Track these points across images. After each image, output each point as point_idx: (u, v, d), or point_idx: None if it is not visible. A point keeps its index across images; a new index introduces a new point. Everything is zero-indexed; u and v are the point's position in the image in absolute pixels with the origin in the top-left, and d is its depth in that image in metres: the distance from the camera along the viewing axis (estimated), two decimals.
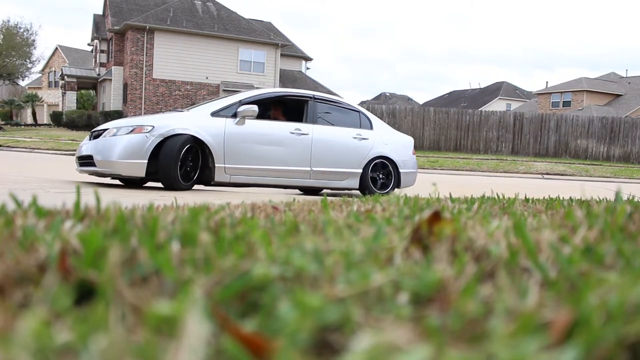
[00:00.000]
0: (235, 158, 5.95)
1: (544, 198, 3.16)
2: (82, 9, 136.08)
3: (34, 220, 1.23)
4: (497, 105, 49.06)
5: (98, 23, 33.71)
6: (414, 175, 7.46)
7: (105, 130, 5.76)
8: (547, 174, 16.59)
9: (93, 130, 6.03)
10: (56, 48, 46.14)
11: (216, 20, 30.73)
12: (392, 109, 22.98)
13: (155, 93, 29.20)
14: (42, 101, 42.28)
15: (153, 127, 5.52)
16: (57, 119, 30.85)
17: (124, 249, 0.85)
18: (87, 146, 5.84)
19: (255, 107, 6.01)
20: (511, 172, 16.97)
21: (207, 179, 5.93)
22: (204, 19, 30.44)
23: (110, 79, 30.94)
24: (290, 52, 34.22)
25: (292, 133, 6.42)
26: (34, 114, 36.46)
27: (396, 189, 7.15)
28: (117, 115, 29.40)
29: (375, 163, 6.95)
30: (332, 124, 6.83)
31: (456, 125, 23.08)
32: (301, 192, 7.29)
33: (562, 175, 16.28)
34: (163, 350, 0.50)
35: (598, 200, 2.75)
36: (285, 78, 32.72)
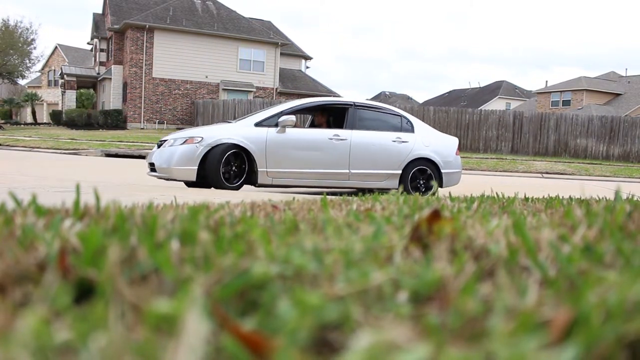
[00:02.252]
0: (276, 163, 6.61)
1: (543, 197, 3.16)
2: (82, 8, 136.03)
3: (34, 219, 1.23)
4: (496, 105, 49.06)
5: (98, 22, 33.68)
6: (458, 175, 7.73)
7: (166, 140, 6.73)
8: (547, 173, 16.60)
9: (159, 140, 6.98)
10: (56, 47, 46.08)
11: (216, 19, 30.71)
12: None
13: (155, 92, 29.19)
14: (42, 100, 42.24)
15: (202, 138, 6.38)
16: (57, 118, 30.83)
17: (123, 247, 0.85)
18: (152, 154, 6.83)
19: (293, 118, 6.68)
20: (511, 171, 16.98)
21: (253, 181, 6.65)
22: (203, 18, 30.42)
23: (110, 78, 30.93)
24: (290, 51, 34.20)
25: (331, 139, 6.95)
26: (33, 113, 36.44)
27: (438, 189, 7.37)
28: (117, 114, 29.43)
29: (416, 164, 7.27)
30: (372, 129, 7.24)
31: (456, 124, 23.07)
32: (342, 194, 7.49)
33: (561, 174, 16.29)
34: (162, 348, 0.50)
35: (597, 199, 2.75)
36: (285, 77, 32.70)
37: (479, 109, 26.18)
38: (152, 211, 1.51)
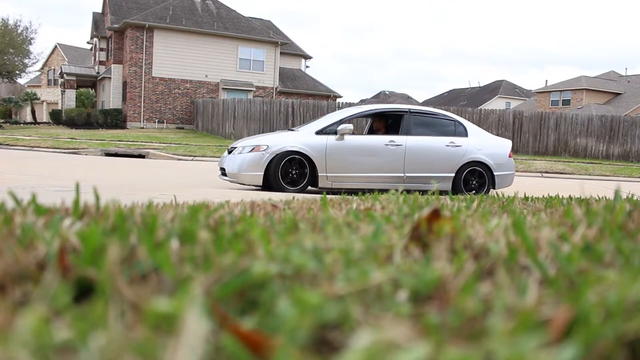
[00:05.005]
0: (335, 168, 7.16)
1: (543, 196, 3.16)
2: (82, 8, 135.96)
3: (33, 218, 1.23)
4: (496, 104, 49.05)
5: (97, 21, 33.65)
6: (511, 177, 8.08)
7: (235, 147, 7.35)
8: (547, 172, 16.60)
9: (229, 146, 7.61)
10: (55, 46, 46.04)
11: (215, 19, 30.68)
12: None
13: (155, 91, 29.17)
14: (42, 99, 42.21)
15: (268, 146, 6.99)
16: (57, 117, 30.80)
17: (123, 246, 0.85)
18: (223, 159, 7.50)
19: (351, 126, 7.23)
20: None
21: (314, 184, 7.22)
22: (203, 17, 30.40)
23: (110, 77, 30.90)
24: (290, 50, 34.17)
25: (387, 145, 7.41)
26: (33, 112, 36.41)
27: (492, 190, 7.75)
28: (116, 113, 29.41)
29: (469, 167, 7.65)
30: (426, 134, 7.64)
31: None
32: None
33: (561, 173, 16.29)
34: (162, 347, 0.50)
35: (597, 198, 2.75)
36: (285, 76, 32.69)
37: (479, 108, 26.17)
38: (152, 210, 1.51)
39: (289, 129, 8.19)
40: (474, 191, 7.48)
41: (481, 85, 58.52)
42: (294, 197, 2.71)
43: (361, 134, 8.40)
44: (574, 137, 22.35)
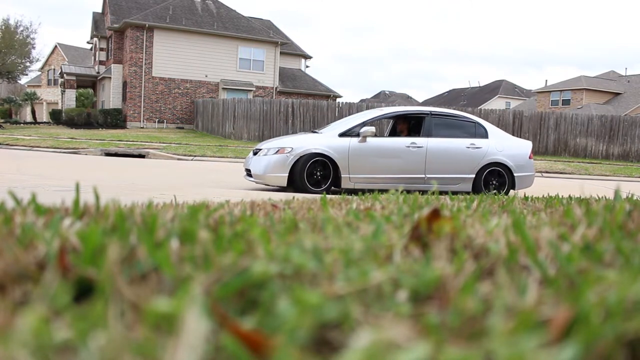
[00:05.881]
0: (358, 169, 7.32)
1: (543, 196, 3.16)
2: (81, 8, 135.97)
3: (33, 217, 1.22)
4: (496, 104, 49.04)
5: (97, 21, 33.64)
6: (531, 178, 8.18)
7: (260, 149, 7.52)
8: (547, 172, 16.59)
9: (254, 148, 7.82)
10: (55, 46, 46.03)
11: (215, 19, 30.67)
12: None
13: (155, 91, 29.17)
14: (41, 99, 42.20)
15: (292, 148, 7.19)
16: (57, 117, 30.80)
17: (123, 246, 0.85)
18: (248, 161, 7.68)
19: (373, 129, 7.38)
20: None
21: (337, 185, 7.37)
22: (203, 17, 30.39)
23: (110, 77, 30.89)
24: (290, 50, 34.16)
25: (408, 147, 7.56)
26: (33, 112, 36.40)
27: (512, 191, 7.86)
28: (116, 113, 29.40)
29: (489, 169, 7.77)
30: (447, 136, 7.78)
31: None
32: None
33: (561, 173, 16.29)
34: (162, 347, 0.50)
35: (597, 198, 2.75)
36: (285, 76, 32.68)
37: (479, 108, 26.16)
38: (152, 210, 1.51)
39: (312, 131, 8.38)
40: (494, 192, 7.60)
41: (481, 85, 58.52)
42: (293, 197, 2.71)
43: (382, 135, 8.61)
44: (573, 137, 22.35)
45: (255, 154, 7.63)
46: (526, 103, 47.62)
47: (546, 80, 53.86)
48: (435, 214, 1.07)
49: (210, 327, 0.53)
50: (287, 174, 7.11)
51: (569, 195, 3.10)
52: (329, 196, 2.16)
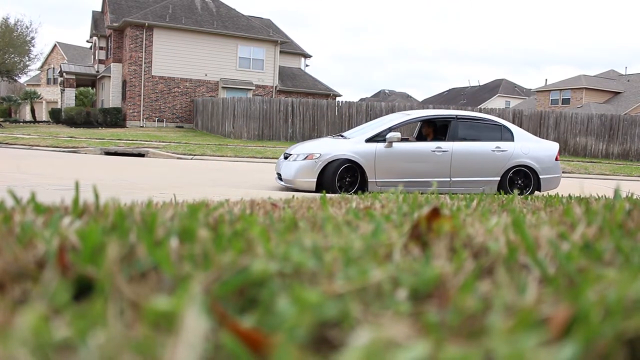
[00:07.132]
0: (384, 173, 7.55)
1: (543, 195, 3.16)
2: (81, 7, 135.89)
3: (33, 216, 1.22)
4: (496, 103, 49.04)
5: (97, 20, 33.60)
6: (557, 180, 8.28)
7: (291, 154, 7.83)
8: None
9: (285, 152, 8.12)
10: (55, 45, 45.99)
11: (215, 17, 30.65)
12: (391, 106, 22.94)
13: (154, 90, 29.15)
14: (41, 98, 42.17)
15: (320, 154, 7.48)
16: (56, 116, 30.78)
17: (122, 244, 0.85)
18: (279, 164, 8.01)
19: (399, 134, 7.60)
20: None
21: (364, 189, 7.55)
22: (203, 16, 30.37)
23: (109, 76, 30.87)
24: (290, 49, 34.14)
25: (433, 151, 7.71)
26: (32, 111, 36.37)
27: (537, 193, 7.95)
28: (116, 112, 29.39)
29: (514, 171, 7.87)
30: (472, 140, 7.90)
31: None
32: None
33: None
34: (161, 345, 0.50)
35: (597, 197, 2.75)
36: (285, 75, 32.67)
37: (479, 107, 26.15)
38: (152, 209, 1.51)
39: (339, 135, 8.57)
40: (520, 194, 7.66)
41: (481, 84, 58.49)
42: (293, 196, 2.71)
43: (407, 138, 8.75)
44: (573, 136, 22.34)
45: (286, 158, 7.91)
46: (526, 102, 47.61)
47: (546, 80, 53.87)
48: (435, 213, 1.07)
49: (210, 325, 0.53)
50: (316, 179, 7.42)
51: (569, 194, 3.10)
52: (328, 195, 2.16)
